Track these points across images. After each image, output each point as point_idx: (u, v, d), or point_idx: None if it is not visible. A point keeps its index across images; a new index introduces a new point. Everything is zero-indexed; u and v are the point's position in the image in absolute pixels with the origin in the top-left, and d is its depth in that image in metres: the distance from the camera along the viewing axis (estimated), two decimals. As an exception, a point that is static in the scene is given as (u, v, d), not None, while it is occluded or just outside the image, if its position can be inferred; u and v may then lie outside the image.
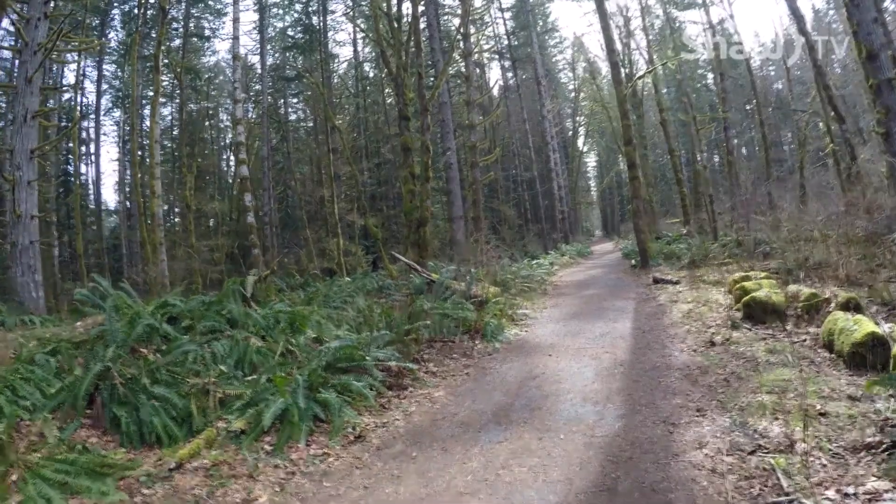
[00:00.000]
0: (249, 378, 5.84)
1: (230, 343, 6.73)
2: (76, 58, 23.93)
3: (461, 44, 16.69)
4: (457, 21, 23.42)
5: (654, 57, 24.15)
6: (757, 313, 6.97)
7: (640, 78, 17.79)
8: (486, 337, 7.32)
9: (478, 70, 30.68)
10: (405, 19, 18.12)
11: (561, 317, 8.90)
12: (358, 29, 25.64)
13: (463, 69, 17.06)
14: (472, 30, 20.64)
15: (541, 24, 33.60)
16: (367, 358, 5.49)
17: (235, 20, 18.70)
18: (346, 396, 5.14)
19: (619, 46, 22.00)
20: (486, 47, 32.24)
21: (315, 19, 26.32)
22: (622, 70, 16.61)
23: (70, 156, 28.81)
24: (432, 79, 20.51)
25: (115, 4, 27.30)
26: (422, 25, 24.28)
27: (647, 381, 5.08)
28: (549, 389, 5.11)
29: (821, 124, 27.25)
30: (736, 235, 14.94)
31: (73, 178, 24.69)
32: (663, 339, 6.58)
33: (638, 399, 4.64)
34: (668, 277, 11.71)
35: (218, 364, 6.17)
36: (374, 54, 28.09)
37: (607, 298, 10.31)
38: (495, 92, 33.50)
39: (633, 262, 16.00)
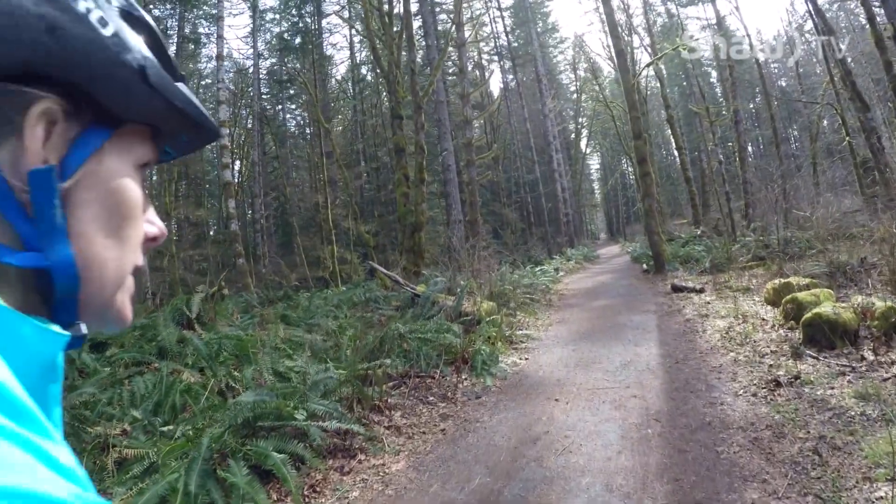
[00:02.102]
0: (167, 427, 4.25)
1: (155, 378, 5.15)
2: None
3: (454, 33, 15.01)
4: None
5: (659, 52, 22.39)
6: (822, 336, 5.21)
7: (649, 66, 16.06)
8: (475, 369, 5.59)
9: (476, 72, 29.04)
10: (396, 12, 16.54)
11: (569, 337, 7.17)
12: (351, 28, 24.03)
13: (457, 61, 15.38)
14: (469, 30, 18.99)
15: (541, 24, 31.90)
16: (298, 415, 3.80)
17: (220, 18, 17.19)
18: (265, 468, 3.49)
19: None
20: (485, 49, 30.62)
21: (308, 20, 24.78)
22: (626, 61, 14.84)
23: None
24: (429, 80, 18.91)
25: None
26: (417, 24, 22.71)
27: (699, 452, 3.35)
28: (554, 466, 3.39)
29: (825, 121, 25.43)
30: (758, 235, 13.17)
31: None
32: (706, 373, 4.83)
33: (690, 490, 2.92)
34: (689, 284, 9.94)
35: (134, 407, 4.58)
36: (371, 57, 26.50)
37: (622, 311, 8.55)
38: (496, 93, 31.85)
39: (644, 266, 14.22)
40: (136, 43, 0.44)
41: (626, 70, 13.56)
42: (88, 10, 0.41)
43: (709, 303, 8.13)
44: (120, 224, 0.43)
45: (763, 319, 6.49)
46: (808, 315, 5.34)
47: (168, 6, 24.32)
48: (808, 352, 5.04)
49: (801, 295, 6.08)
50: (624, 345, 6.23)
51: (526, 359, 6.21)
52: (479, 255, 11.09)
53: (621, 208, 47.86)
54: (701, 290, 9.30)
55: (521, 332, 7.37)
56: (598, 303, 9.95)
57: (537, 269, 14.14)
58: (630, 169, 37.21)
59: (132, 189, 0.44)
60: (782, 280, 7.74)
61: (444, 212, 20.94)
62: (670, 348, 5.82)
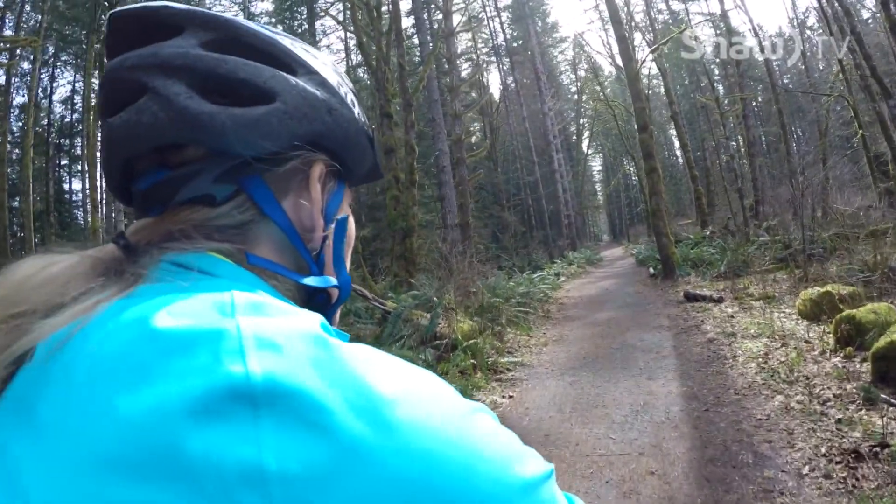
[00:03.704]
0: None
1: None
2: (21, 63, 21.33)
3: (443, 23, 13.68)
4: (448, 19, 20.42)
5: (661, 50, 20.90)
6: (898, 371, 3.81)
7: (653, 51, 14.61)
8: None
9: (477, 75, 27.64)
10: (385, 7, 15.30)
11: (566, 363, 5.76)
12: (345, 30, 22.78)
13: (447, 53, 14.00)
14: (461, 20, 17.63)
15: (540, 22, 30.49)
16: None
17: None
18: None
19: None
20: (483, 49, 29.25)
21: (301, 21, 23.57)
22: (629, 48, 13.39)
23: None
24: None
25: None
26: (410, 22, 21.42)
27: None
28: None
29: (833, 117, 23.80)
30: (773, 234, 11.71)
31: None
32: (749, 430, 3.41)
33: None
34: (705, 292, 8.51)
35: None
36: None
37: (630, 327, 7.13)
38: (496, 96, 30.44)
39: (651, 270, 12.74)
40: (365, 117, 0.54)
41: (630, 58, 12.14)
42: (346, 94, 0.51)
43: (732, 316, 6.70)
44: (347, 252, 0.54)
45: (806, 342, 5.06)
46: (879, 344, 3.92)
47: None
48: (882, 395, 3.63)
49: (860, 313, 4.64)
50: (635, 377, 4.82)
51: (510, 397, 4.81)
52: (470, 262, 9.71)
53: (624, 209, 46.26)
54: (719, 300, 7.87)
55: (507, 358, 5.96)
56: (602, 314, 8.54)
57: (535, 275, 12.72)
58: (632, 169, 35.68)
59: (353, 225, 0.55)
60: (819, 289, 6.32)
61: (440, 216, 19.62)
62: (695, 384, 4.41)
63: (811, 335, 5.26)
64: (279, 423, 0.28)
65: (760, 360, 4.75)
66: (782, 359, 4.65)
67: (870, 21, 25.91)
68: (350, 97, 0.51)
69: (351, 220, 0.55)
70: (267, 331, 0.32)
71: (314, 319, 0.36)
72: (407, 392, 0.32)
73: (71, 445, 0.29)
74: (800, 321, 6.04)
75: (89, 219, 24.35)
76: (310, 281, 0.48)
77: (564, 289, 12.39)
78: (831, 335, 4.86)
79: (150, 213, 0.45)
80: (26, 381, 0.34)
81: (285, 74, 0.46)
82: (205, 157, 0.44)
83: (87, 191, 19.78)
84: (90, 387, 0.30)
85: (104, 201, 22.19)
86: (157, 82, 0.42)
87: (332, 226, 0.50)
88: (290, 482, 0.27)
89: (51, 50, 24.58)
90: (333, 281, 0.51)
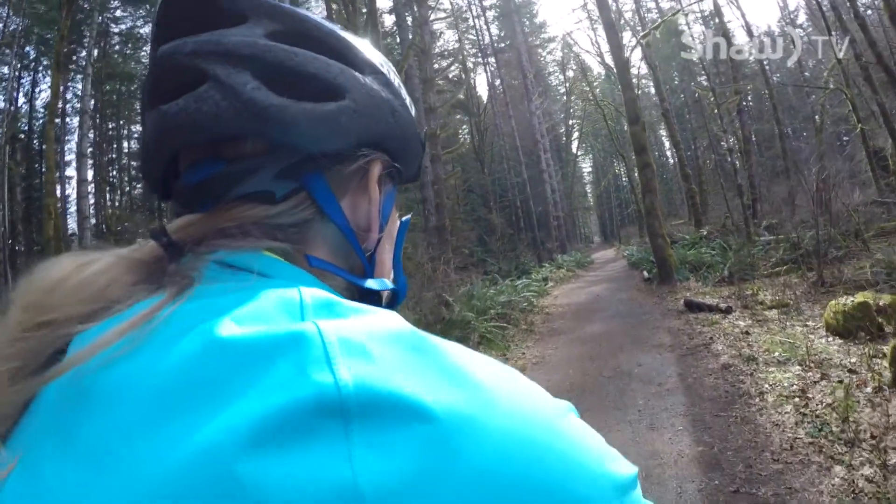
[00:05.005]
0: None
1: None
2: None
3: (416, 9, 12.48)
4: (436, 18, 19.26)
5: (652, 36, 19.75)
6: None
7: (644, 36, 13.39)
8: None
9: (463, 76, 26.47)
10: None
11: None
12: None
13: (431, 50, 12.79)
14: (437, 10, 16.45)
15: (527, 23, 29.31)
16: None
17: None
18: None
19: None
20: (471, 50, 28.07)
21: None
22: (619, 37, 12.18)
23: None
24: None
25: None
26: (393, 20, 20.23)
27: None
28: None
29: (825, 113, 22.73)
30: (777, 233, 10.54)
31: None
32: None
33: None
34: (709, 300, 7.29)
35: None
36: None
37: (625, 345, 5.89)
38: (484, 98, 29.23)
39: (645, 273, 11.50)
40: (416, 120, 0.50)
41: (619, 47, 10.95)
42: (405, 97, 0.48)
43: (747, 333, 5.47)
44: (394, 253, 0.51)
45: (851, 371, 3.85)
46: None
47: (142, 11, 22.15)
48: None
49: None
50: (632, 424, 3.59)
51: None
52: (444, 270, 8.48)
53: (615, 210, 45.10)
54: (727, 310, 6.64)
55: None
56: (592, 328, 7.30)
57: (518, 281, 11.46)
58: (623, 170, 34.51)
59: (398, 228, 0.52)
60: (852, 298, 5.11)
61: (422, 217, 18.37)
62: (714, 440, 3.17)
63: (853, 360, 4.05)
64: (373, 436, 0.25)
65: (797, 399, 3.52)
66: (827, 399, 3.42)
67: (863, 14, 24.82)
68: (408, 99, 0.49)
69: (398, 223, 0.52)
70: (351, 333, 0.29)
71: (393, 315, 0.32)
72: (504, 391, 0.29)
73: (129, 476, 0.25)
74: (831, 339, 4.84)
75: (74, 226, 23.08)
76: (372, 284, 0.44)
77: (552, 295, 11.15)
78: (886, 364, 3.65)
79: (198, 208, 0.40)
80: (64, 397, 0.29)
81: (354, 71, 0.43)
82: (265, 152, 0.40)
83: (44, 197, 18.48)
84: (149, 409, 0.26)
85: (77, 209, 20.92)
86: (219, 70, 0.38)
87: (388, 226, 0.47)
88: (387, 497, 0.24)
89: (32, 54, 23.49)
90: (392, 284, 0.48)
